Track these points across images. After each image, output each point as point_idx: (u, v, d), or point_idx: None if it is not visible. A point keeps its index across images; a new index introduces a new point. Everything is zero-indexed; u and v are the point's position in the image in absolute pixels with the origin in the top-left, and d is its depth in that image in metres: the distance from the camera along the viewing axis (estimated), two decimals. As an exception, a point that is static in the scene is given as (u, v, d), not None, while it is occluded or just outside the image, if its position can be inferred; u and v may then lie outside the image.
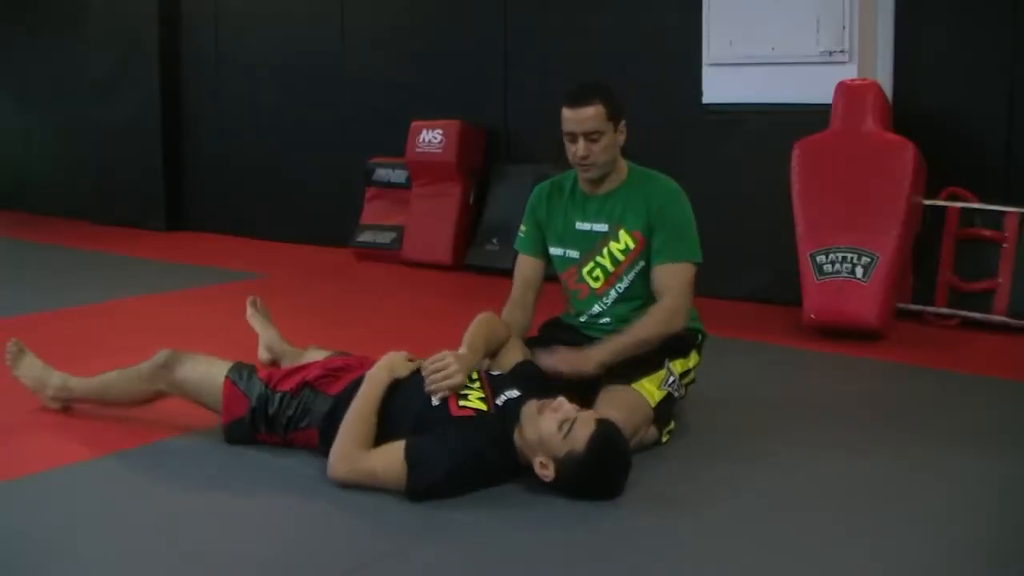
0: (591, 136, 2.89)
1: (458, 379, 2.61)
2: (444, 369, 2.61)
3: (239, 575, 2.16)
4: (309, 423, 2.69)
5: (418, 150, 6.18)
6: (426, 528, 2.34)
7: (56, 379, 3.13)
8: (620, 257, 2.98)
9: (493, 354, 2.92)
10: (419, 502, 2.43)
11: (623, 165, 3.04)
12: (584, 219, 3.04)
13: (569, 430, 2.40)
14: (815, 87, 4.54)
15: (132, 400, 2.99)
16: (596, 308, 3.05)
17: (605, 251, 3.00)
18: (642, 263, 2.97)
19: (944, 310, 4.43)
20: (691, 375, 3.04)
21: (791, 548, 2.26)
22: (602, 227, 3.01)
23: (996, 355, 4.00)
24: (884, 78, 4.62)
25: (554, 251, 3.11)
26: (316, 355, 3.16)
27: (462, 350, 2.73)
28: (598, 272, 3.03)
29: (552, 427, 2.42)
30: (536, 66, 5.94)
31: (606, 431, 2.46)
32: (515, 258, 3.23)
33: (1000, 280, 4.33)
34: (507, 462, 2.53)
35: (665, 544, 2.28)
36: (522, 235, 3.18)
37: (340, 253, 6.57)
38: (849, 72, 4.51)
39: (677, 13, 5.19)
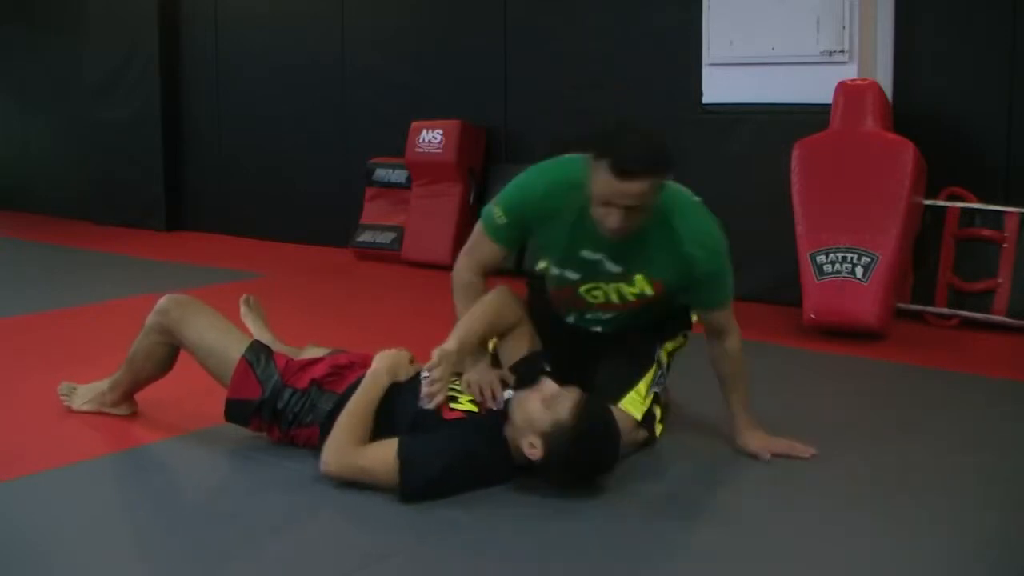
0: (632, 209, 2.46)
1: (440, 397, 2.56)
2: (429, 387, 2.55)
3: (237, 573, 2.16)
4: (312, 420, 2.68)
5: (418, 150, 6.17)
6: (426, 528, 2.34)
7: (104, 385, 3.11)
8: (630, 299, 2.72)
9: (500, 335, 2.79)
10: (411, 503, 2.42)
11: None
12: (594, 251, 2.67)
13: (553, 404, 2.43)
14: (815, 87, 4.54)
15: (156, 363, 2.94)
16: (591, 318, 2.86)
17: (612, 287, 2.72)
18: (656, 304, 2.75)
19: (944, 310, 4.43)
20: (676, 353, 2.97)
21: (790, 548, 2.26)
22: (614, 268, 2.68)
23: (996, 355, 4.00)
24: (884, 78, 4.61)
25: (551, 270, 2.80)
26: (315, 353, 3.16)
27: (450, 344, 2.61)
28: (599, 294, 2.76)
29: (537, 404, 2.45)
30: (536, 66, 5.94)
31: (590, 400, 2.48)
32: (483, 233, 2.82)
33: (1000, 280, 4.33)
34: (500, 462, 2.53)
35: (664, 544, 2.28)
36: (499, 221, 2.74)
37: (340, 253, 6.57)
38: (849, 72, 4.51)
39: (677, 13, 5.19)
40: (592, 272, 2.71)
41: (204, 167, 7.72)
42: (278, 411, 2.72)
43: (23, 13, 8.75)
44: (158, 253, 6.77)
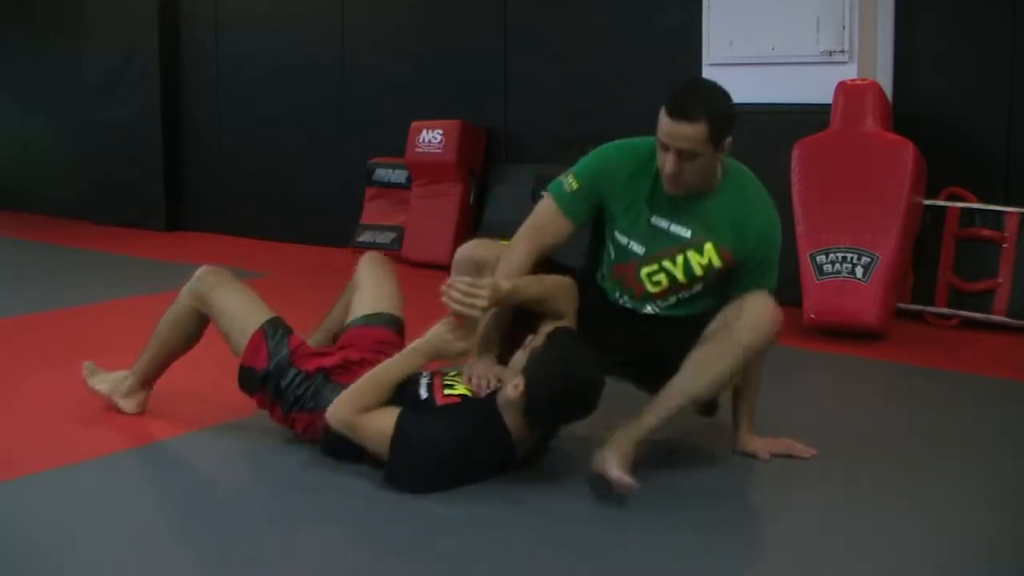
0: (685, 154, 2.50)
1: (476, 313, 2.53)
2: (473, 296, 2.53)
3: (238, 574, 2.17)
4: (314, 407, 2.68)
5: (418, 150, 6.18)
6: (427, 528, 2.34)
7: (125, 373, 3.11)
8: (698, 272, 2.63)
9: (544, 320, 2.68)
10: (394, 490, 2.44)
11: (719, 168, 2.65)
12: (662, 214, 2.63)
13: (530, 346, 2.53)
14: (815, 87, 4.54)
15: (182, 333, 2.97)
16: (649, 308, 2.74)
17: (680, 259, 2.63)
18: (715, 288, 2.68)
19: (944, 310, 4.43)
20: None
21: (789, 548, 2.27)
22: (683, 232, 2.62)
23: (996, 355, 4.00)
24: (884, 78, 4.62)
25: (617, 239, 2.68)
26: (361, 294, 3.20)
27: (506, 282, 2.56)
28: (661, 278, 2.66)
29: (519, 355, 2.56)
30: (536, 66, 5.94)
31: (560, 327, 2.57)
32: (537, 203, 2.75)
33: (1000, 280, 4.33)
34: (494, 443, 2.53)
35: (666, 542, 2.28)
36: (570, 189, 2.67)
37: (340, 253, 6.57)
38: (849, 72, 4.51)
39: (677, 13, 5.19)
40: (659, 244, 2.63)
41: (204, 167, 7.72)
42: (281, 388, 2.73)
43: (23, 13, 8.75)
44: (158, 253, 6.77)
